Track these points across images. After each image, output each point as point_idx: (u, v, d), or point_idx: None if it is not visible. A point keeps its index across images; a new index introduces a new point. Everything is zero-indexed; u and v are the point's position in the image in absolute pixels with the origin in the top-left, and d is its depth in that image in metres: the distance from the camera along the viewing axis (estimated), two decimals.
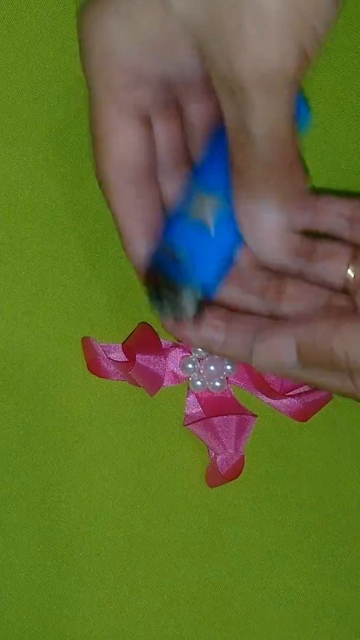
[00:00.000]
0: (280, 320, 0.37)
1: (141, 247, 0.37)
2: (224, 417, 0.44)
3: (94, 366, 0.45)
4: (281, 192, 0.34)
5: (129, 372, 0.43)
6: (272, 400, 0.45)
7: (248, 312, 0.38)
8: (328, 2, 0.30)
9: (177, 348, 0.45)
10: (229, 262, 0.38)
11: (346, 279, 0.37)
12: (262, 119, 0.32)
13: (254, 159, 0.33)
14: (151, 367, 0.43)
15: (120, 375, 0.45)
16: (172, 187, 0.38)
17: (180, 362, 0.45)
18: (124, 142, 0.36)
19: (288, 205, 0.35)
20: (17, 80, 0.45)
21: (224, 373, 0.45)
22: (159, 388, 0.44)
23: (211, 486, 0.45)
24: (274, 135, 0.32)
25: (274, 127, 0.32)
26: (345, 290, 0.37)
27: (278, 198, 0.34)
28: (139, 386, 0.44)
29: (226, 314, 0.38)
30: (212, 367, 0.45)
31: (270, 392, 0.45)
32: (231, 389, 0.45)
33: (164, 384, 0.45)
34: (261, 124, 0.32)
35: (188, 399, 0.45)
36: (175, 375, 0.45)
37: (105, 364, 0.44)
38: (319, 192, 0.46)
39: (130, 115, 0.35)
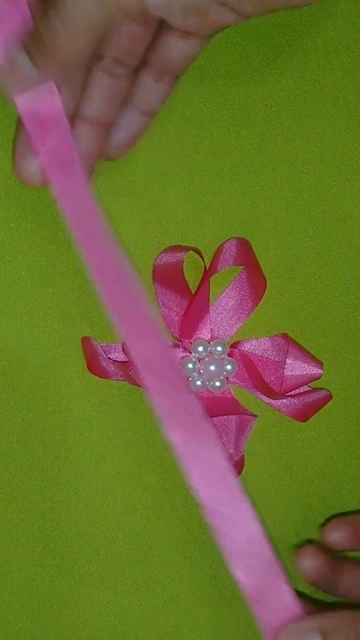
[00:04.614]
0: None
1: None
2: (224, 417, 0.44)
3: (94, 366, 0.45)
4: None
5: (129, 372, 0.43)
6: (272, 400, 0.45)
7: None
8: None
9: (177, 348, 0.45)
10: None
11: None
12: None
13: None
14: None
15: (120, 375, 0.45)
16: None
17: (180, 362, 0.45)
18: None
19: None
20: None
21: (224, 373, 0.45)
22: None
23: None
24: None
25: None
26: None
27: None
28: (139, 386, 0.44)
29: None
30: (212, 367, 0.45)
31: (270, 392, 0.44)
32: (231, 389, 0.45)
33: None
34: None
35: None
36: None
37: (105, 364, 0.44)
38: (317, 193, 0.46)
39: None
